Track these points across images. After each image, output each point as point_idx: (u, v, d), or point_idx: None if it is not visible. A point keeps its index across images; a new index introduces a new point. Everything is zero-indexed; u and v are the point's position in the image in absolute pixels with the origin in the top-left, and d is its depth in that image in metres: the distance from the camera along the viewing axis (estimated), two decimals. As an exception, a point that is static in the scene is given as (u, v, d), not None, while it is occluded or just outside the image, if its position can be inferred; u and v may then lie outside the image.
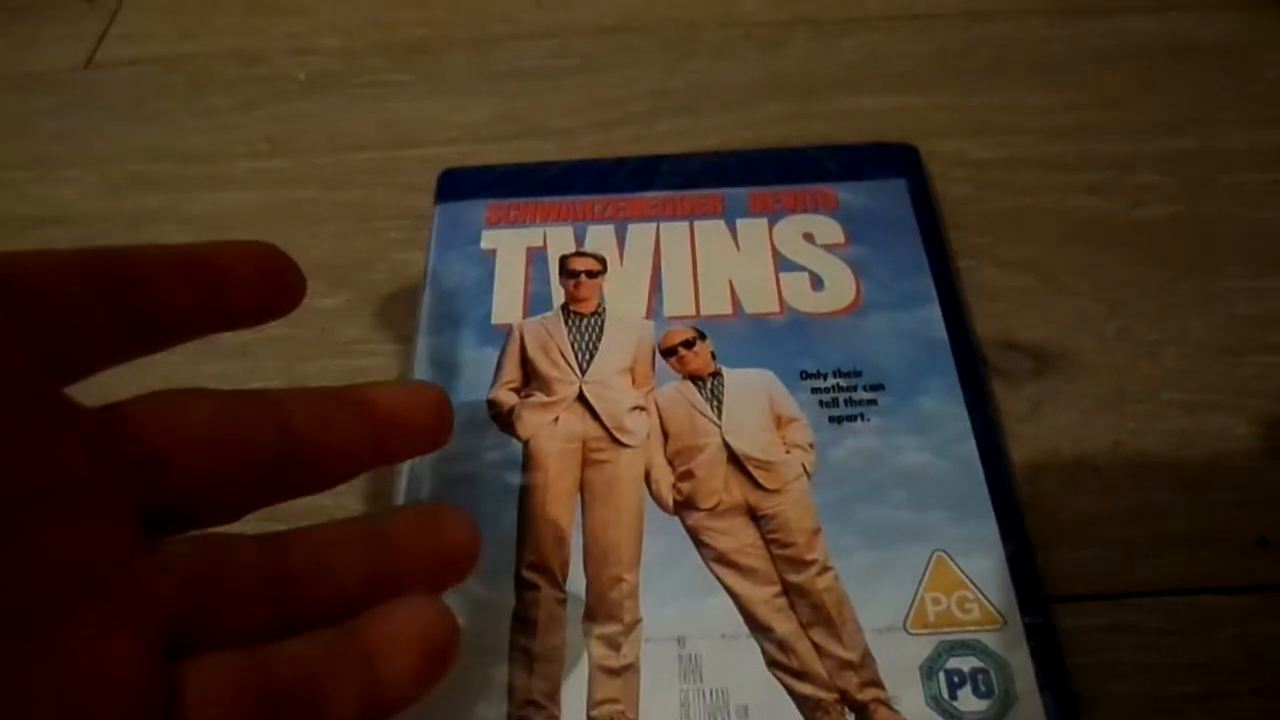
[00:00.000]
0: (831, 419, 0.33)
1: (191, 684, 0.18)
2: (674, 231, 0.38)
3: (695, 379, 0.34)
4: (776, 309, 0.36)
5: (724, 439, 0.32)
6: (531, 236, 0.38)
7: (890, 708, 0.27)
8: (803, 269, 0.37)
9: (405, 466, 0.32)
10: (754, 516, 0.31)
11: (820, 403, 0.33)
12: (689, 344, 0.35)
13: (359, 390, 0.24)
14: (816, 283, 0.36)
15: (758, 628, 0.29)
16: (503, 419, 0.33)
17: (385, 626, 0.21)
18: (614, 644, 0.29)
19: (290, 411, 0.22)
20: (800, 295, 0.36)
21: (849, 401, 0.33)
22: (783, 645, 0.29)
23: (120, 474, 0.19)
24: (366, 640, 0.21)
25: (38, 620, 0.17)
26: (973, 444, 0.32)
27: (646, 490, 0.32)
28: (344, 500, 0.33)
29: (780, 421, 0.33)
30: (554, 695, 0.28)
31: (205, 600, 0.19)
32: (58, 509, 0.18)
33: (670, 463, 0.32)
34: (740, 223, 0.38)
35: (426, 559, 0.23)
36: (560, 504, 0.31)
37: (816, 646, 0.29)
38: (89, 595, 0.17)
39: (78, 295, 0.20)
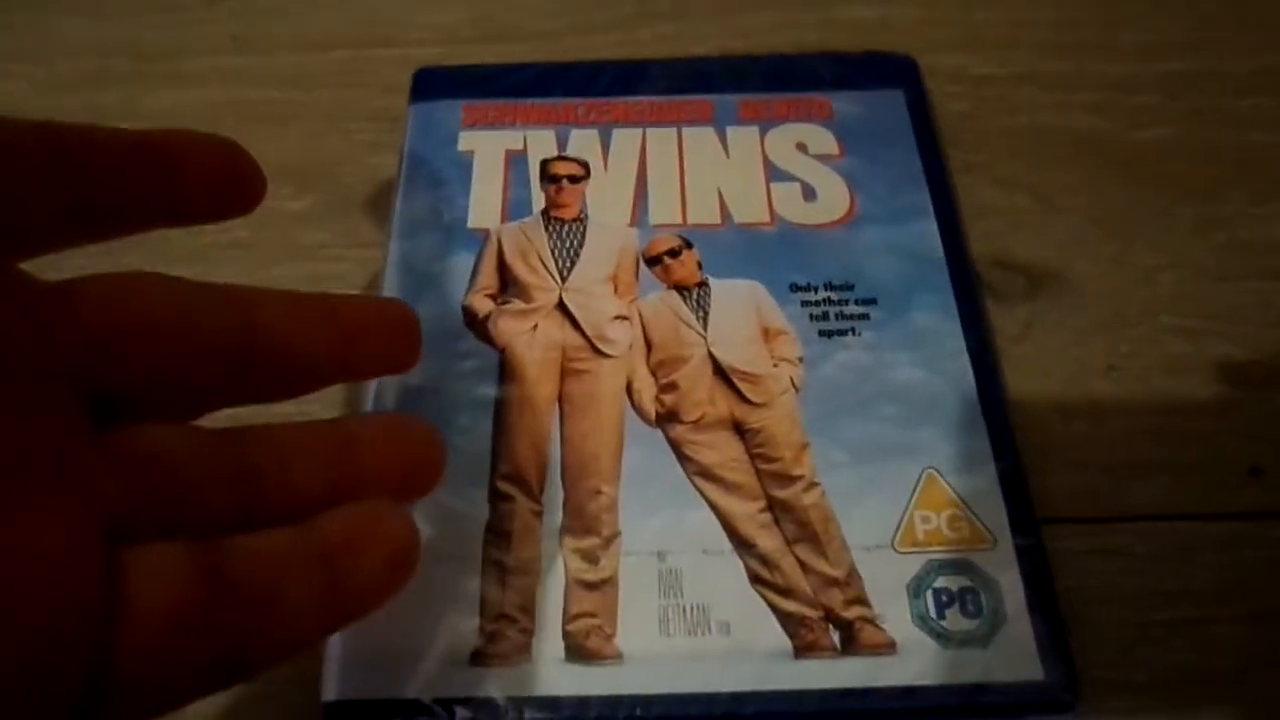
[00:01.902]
0: (821, 333, 0.31)
1: (136, 569, 0.17)
2: (661, 138, 0.36)
3: (680, 289, 0.32)
4: (767, 219, 0.34)
5: (709, 350, 0.31)
6: (511, 139, 0.36)
7: (876, 625, 0.27)
8: (795, 179, 0.35)
9: (375, 374, 0.31)
10: (739, 430, 0.30)
11: (810, 316, 0.32)
12: (674, 253, 0.33)
13: (326, 298, 0.22)
14: (809, 193, 0.35)
15: (741, 543, 0.28)
16: (478, 326, 0.32)
17: (347, 527, 0.20)
18: (591, 557, 0.28)
19: (256, 307, 0.21)
20: (792, 206, 0.34)
21: (840, 315, 0.32)
22: (766, 561, 0.28)
23: (68, 352, 0.18)
24: (327, 540, 0.20)
25: None
26: (966, 361, 0.31)
27: (628, 402, 0.30)
28: (311, 408, 0.32)
29: (768, 334, 0.31)
30: (528, 609, 0.27)
31: (156, 489, 0.18)
32: None
33: (653, 374, 0.31)
34: (730, 130, 0.36)
35: (391, 468, 0.22)
36: (538, 414, 0.30)
37: (801, 563, 0.28)
38: (25, 477, 0.16)
39: (21, 166, 0.18)
